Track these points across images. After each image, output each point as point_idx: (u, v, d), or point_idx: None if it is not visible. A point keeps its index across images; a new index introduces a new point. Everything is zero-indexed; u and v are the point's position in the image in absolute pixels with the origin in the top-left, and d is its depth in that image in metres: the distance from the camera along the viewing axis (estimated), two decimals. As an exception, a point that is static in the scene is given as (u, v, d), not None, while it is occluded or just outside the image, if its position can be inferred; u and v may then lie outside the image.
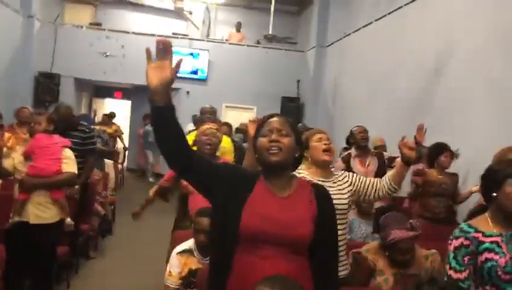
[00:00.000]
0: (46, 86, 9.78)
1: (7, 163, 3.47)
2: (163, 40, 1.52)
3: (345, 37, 8.86)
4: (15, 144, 3.75)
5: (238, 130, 9.64)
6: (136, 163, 11.74)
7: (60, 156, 3.39)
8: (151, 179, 10.38)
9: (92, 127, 5.69)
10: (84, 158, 4.33)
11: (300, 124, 8.75)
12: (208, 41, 11.17)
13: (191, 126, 10.59)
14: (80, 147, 4.23)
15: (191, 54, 10.68)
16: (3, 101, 7.94)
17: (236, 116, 10.10)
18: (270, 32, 10.11)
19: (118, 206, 6.36)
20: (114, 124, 9.91)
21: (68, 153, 3.50)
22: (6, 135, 4.36)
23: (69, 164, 3.45)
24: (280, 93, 10.74)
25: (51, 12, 10.67)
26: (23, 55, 9.42)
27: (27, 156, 3.34)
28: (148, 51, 1.52)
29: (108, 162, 6.10)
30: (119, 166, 8.88)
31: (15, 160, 3.42)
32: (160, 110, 1.56)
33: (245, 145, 4.80)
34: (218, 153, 3.58)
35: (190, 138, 4.42)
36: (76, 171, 3.53)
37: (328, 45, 9.84)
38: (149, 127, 10.10)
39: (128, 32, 10.68)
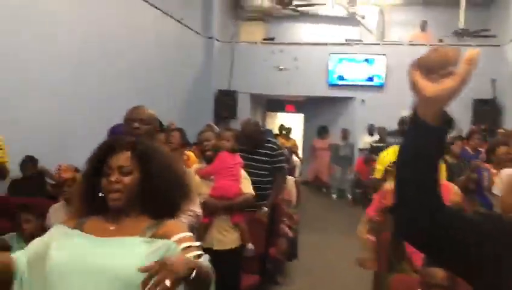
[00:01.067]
0: (225, 102, 10.16)
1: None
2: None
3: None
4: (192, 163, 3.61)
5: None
6: (311, 176, 11.25)
7: (240, 177, 3.11)
8: (334, 196, 9.87)
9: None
10: (271, 177, 4.03)
11: (500, 130, 7.37)
12: (383, 44, 10.34)
13: (368, 138, 9.95)
14: (268, 165, 3.97)
15: (366, 61, 10.00)
16: (188, 118, 8.41)
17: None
18: (461, 27, 8.83)
19: (300, 225, 6.06)
20: (291, 138, 9.79)
21: (245, 173, 3.28)
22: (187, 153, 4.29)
23: (246, 185, 3.19)
24: (471, 96, 9.31)
25: (228, 32, 11.15)
26: (204, 74, 9.97)
27: (208, 176, 3.12)
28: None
29: (289, 178, 5.81)
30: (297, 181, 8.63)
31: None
32: (432, 130, 0.93)
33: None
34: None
35: (390, 155, 3.83)
36: (252, 192, 3.22)
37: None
38: (341, 142, 9.76)
39: (300, 44, 10.52)
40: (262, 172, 3.87)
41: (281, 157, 4.11)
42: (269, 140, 4.13)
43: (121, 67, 6.65)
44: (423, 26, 10.42)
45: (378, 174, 3.67)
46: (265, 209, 3.81)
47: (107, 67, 6.36)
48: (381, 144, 8.30)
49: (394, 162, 2.74)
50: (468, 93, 9.42)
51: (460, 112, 9.39)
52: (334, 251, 6.06)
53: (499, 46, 9.26)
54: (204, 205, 3.03)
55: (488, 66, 9.24)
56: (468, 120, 9.46)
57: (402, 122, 8.30)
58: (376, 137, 9.39)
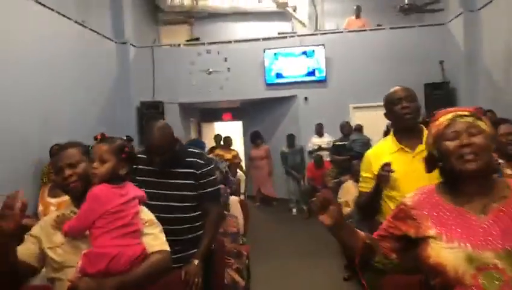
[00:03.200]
0: (150, 116, 8.73)
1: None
2: None
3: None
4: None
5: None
6: (254, 190, 9.94)
7: (139, 224, 1.81)
8: (294, 211, 8.51)
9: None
10: (199, 208, 2.62)
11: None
12: (320, 34, 9.36)
13: (317, 139, 8.90)
14: (192, 192, 2.57)
15: (304, 53, 8.99)
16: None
17: (368, 117, 8.12)
18: (407, 2, 8.05)
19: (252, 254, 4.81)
20: (231, 149, 8.53)
21: (147, 215, 1.91)
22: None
23: (155, 235, 1.86)
24: (421, 80, 8.55)
25: (147, 37, 9.79)
26: (122, 85, 8.51)
27: (78, 233, 1.76)
28: None
29: (233, 199, 4.53)
30: (242, 197, 7.39)
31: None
32: None
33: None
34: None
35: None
36: (166, 247, 1.88)
37: (481, 7, 7.49)
38: (285, 149, 8.50)
39: (230, 42, 9.33)
40: (184, 204, 2.53)
41: (212, 177, 2.65)
42: (191, 151, 2.70)
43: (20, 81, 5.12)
44: (357, 12, 9.63)
45: (365, 187, 2.43)
46: (196, 261, 2.47)
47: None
48: (344, 142, 7.28)
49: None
50: (418, 78, 8.71)
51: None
52: (298, 278, 4.90)
53: (443, 24, 8.58)
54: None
55: (434, 47, 8.56)
56: (421, 106, 8.69)
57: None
58: (327, 138, 8.36)
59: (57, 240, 1.77)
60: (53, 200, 3.56)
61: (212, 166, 2.71)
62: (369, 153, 2.45)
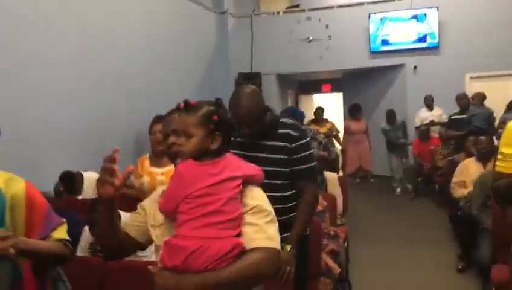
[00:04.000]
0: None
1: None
2: None
3: None
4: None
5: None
6: (352, 167, 9.29)
7: (238, 213, 1.41)
8: (398, 190, 7.88)
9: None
10: (291, 187, 2.28)
11: None
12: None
13: (426, 113, 8.09)
14: (285, 169, 2.24)
15: (414, 17, 8.14)
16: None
17: (487, 89, 7.13)
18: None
19: (351, 237, 4.43)
20: (327, 121, 8.04)
21: (256, 199, 1.50)
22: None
23: (259, 226, 1.42)
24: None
25: (244, 7, 9.55)
26: (221, 56, 8.44)
27: (168, 217, 1.48)
28: None
29: (330, 176, 4.14)
30: (340, 174, 6.96)
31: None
32: None
33: None
34: None
35: None
36: (275, 244, 1.42)
37: None
38: (385, 125, 7.74)
39: (332, 7, 8.75)
40: (275, 182, 2.19)
41: (307, 152, 2.28)
42: (284, 122, 2.31)
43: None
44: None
45: (506, 167, 1.87)
46: (288, 247, 2.17)
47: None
48: (463, 116, 6.50)
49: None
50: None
51: None
52: (402, 269, 4.40)
53: None
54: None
55: None
56: None
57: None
58: (437, 111, 7.54)
59: (158, 219, 1.52)
60: (158, 170, 3.41)
61: (308, 139, 2.35)
62: None
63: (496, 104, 6.94)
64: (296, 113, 4.48)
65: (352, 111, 8.34)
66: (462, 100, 6.70)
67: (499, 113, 6.72)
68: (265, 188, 1.57)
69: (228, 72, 8.56)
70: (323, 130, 7.71)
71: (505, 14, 7.70)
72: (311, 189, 2.29)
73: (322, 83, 11.99)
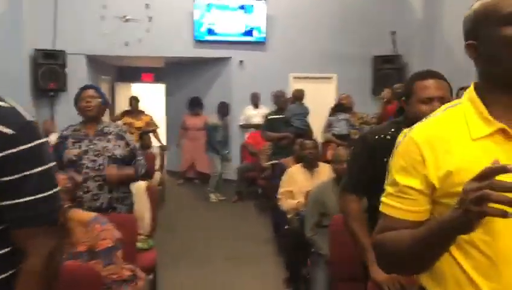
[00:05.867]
0: (48, 68, 7.00)
1: None
2: None
3: None
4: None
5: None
6: (184, 165, 8.23)
7: None
8: (213, 198, 6.86)
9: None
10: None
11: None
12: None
13: (252, 111, 7.64)
14: None
15: (242, 8, 7.65)
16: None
17: (310, 90, 7.04)
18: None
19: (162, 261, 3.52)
20: (144, 113, 7.00)
21: None
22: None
23: None
24: (370, 52, 7.62)
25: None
26: (10, 27, 6.66)
27: None
28: None
29: (138, 187, 3.16)
30: (157, 175, 6.02)
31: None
32: None
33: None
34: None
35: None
36: None
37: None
38: (214, 120, 6.83)
39: (153, -16, 7.72)
40: None
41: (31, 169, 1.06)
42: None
43: None
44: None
45: (397, 206, 1.16)
46: None
47: None
48: (281, 115, 6.02)
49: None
50: (367, 50, 7.71)
51: (357, 73, 7.67)
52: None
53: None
54: None
55: (387, 16, 7.58)
56: (368, 82, 7.79)
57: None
58: (263, 110, 7.11)
59: None
60: None
61: (38, 142, 1.21)
62: (420, 134, 1.18)
63: (317, 107, 6.87)
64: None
65: (191, 105, 7.46)
66: (280, 98, 6.25)
67: (321, 116, 6.66)
68: None
69: (20, 48, 6.82)
70: (139, 124, 6.71)
71: (330, 16, 7.73)
72: (43, 244, 1.13)
73: (142, 71, 10.86)
